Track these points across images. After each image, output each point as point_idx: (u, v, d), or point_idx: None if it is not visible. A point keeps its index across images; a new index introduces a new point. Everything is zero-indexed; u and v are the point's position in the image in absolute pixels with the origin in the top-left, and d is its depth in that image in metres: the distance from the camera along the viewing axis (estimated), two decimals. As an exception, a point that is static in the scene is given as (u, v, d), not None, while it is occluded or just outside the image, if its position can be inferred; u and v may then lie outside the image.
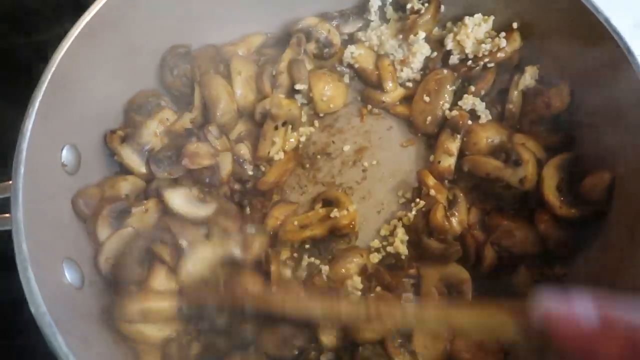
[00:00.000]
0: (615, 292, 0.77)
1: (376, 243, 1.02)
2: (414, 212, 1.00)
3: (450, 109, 1.06)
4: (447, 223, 0.97)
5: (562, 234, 0.95)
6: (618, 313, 0.52)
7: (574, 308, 0.53)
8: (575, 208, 0.94)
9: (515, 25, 1.06)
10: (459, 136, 1.02)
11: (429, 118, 1.07)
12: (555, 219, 0.96)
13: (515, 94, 1.05)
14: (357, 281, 0.95)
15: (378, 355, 0.87)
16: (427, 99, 1.07)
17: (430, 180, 1.02)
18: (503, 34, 1.06)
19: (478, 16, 1.08)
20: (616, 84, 0.89)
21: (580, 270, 0.94)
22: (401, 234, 1.00)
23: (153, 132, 1.02)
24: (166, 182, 0.99)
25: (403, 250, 0.99)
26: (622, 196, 0.90)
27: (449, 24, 1.12)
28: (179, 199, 0.96)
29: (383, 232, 1.03)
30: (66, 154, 0.91)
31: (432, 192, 1.01)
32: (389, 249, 1.00)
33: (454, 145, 1.02)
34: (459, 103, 1.06)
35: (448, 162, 1.03)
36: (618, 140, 0.91)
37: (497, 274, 0.98)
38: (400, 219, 1.03)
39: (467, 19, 1.07)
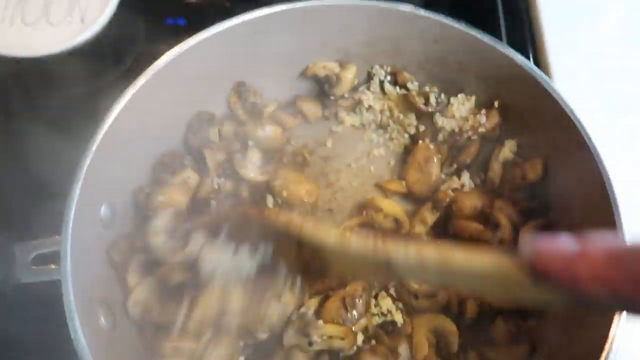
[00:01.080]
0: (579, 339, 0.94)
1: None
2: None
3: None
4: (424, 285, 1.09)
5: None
6: (595, 238, 0.57)
7: (557, 241, 0.58)
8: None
9: (496, 104, 1.21)
10: (437, 213, 1.16)
11: (425, 186, 1.21)
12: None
13: (495, 165, 1.20)
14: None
15: None
16: (418, 170, 1.22)
17: None
18: (484, 110, 1.21)
19: (461, 96, 1.24)
20: (578, 165, 1.04)
21: (551, 321, 1.07)
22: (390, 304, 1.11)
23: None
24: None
25: (399, 319, 1.10)
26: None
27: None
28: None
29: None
30: (104, 210, 1.04)
31: None
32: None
33: (430, 218, 1.16)
34: (445, 186, 1.21)
35: (420, 230, 1.17)
36: (581, 215, 1.06)
37: (478, 324, 1.10)
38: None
39: (452, 100, 1.23)
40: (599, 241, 0.56)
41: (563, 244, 0.57)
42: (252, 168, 1.23)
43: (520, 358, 1.05)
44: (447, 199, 1.17)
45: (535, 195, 1.16)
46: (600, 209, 0.97)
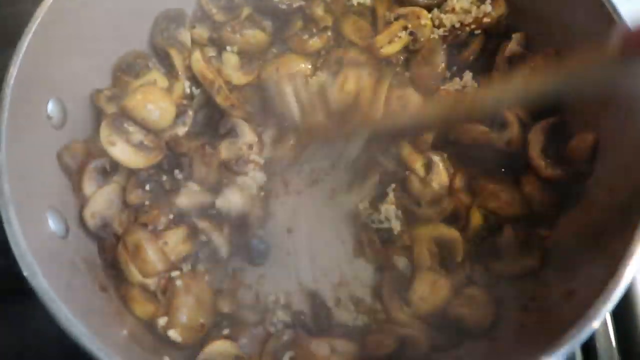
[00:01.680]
0: (597, 253, 0.81)
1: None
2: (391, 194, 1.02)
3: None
4: (427, 189, 0.98)
5: (546, 196, 0.96)
6: None
7: None
8: (559, 169, 0.95)
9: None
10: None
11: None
12: (540, 182, 0.96)
13: (501, 62, 1.06)
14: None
15: None
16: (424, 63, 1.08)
17: (405, 149, 1.04)
18: (489, 0, 1.07)
19: None
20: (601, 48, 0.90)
21: (564, 231, 0.95)
22: (392, 211, 1.00)
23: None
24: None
25: (396, 226, 1.00)
26: (603, 158, 0.91)
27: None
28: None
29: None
30: (52, 107, 0.90)
31: (408, 162, 1.03)
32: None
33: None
34: (447, 85, 1.07)
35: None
36: (601, 104, 0.93)
37: (483, 236, 0.98)
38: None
39: None
40: None
41: None
42: (232, 72, 1.09)
43: (529, 270, 0.94)
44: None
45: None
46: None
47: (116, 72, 1.05)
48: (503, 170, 1.02)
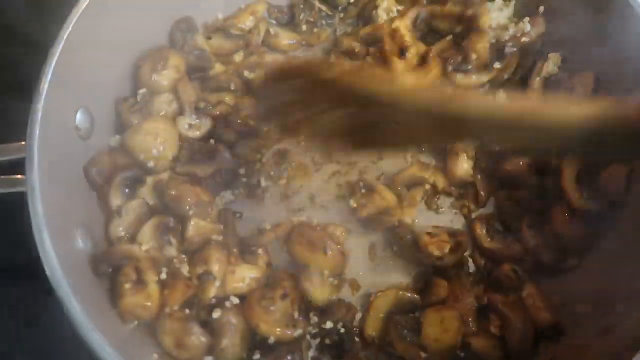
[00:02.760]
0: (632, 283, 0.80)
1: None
2: None
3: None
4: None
5: (578, 229, 0.94)
6: None
7: None
8: (593, 200, 0.92)
9: (541, 9, 1.04)
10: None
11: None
12: (571, 214, 0.94)
13: (537, 81, 1.04)
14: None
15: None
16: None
17: None
18: (527, 18, 1.04)
19: (499, 1, 1.07)
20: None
21: (594, 261, 0.93)
22: None
23: (165, 101, 1.00)
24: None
25: None
26: (636, 189, 0.89)
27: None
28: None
29: None
30: (80, 118, 0.88)
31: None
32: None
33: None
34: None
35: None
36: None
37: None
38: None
39: (488, 4, 1.05)
40: None
41: None
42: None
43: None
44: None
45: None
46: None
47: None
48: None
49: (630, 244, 0.87)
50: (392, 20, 1.09)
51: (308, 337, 0.88)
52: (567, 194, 0.94)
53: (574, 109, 0.58)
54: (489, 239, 0.97)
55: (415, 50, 1.05)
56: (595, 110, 0.57)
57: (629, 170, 0.90)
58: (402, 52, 1.05)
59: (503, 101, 0.63)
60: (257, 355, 0.85)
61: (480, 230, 0.98)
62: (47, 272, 0.70)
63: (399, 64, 1.03)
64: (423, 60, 1.05)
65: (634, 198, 0.89)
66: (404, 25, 1.06)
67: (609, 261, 0.90)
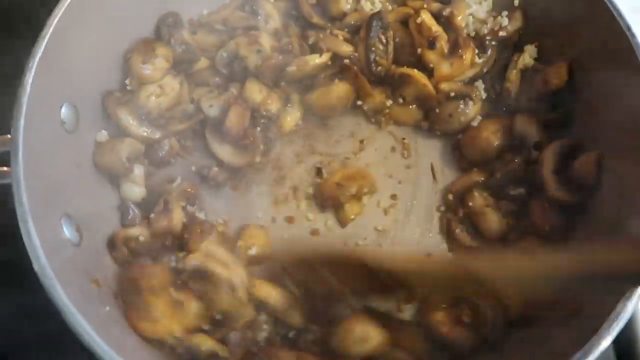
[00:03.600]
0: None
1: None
2: None
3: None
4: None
5: (555, 219, 0.96)
6: None
7: None
8: (568, 191, 0.95)
9: (516, 2, 1.07)
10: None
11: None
12: (548, 205, 0.97)
13: (514, 73, 1.06)
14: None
15: None
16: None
17: None
18: (505, 12, 1.07)
19: None
20: (614, 64, 0.91)
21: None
22: None
23: (151, 94, 1.02)
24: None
25: None
26: (611, 175, 0.92)
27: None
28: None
29: None
30: (65, 112, 0.90)
31: None
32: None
33: None
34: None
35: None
36: (612, 120, 0.94)
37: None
38: None
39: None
40: None
41: None
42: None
43: None
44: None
45: (557, 105, 1.03)
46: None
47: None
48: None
49: (598, 231, 0.90)
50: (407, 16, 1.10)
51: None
52: (545, 185, 0.96)
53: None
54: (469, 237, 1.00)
55: (444, 38, 1.06)
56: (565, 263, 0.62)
57: (598, 156, 0.93)
58: (431, 45, 1.05)
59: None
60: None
61: (460, 232, 1.02)
62: (33, 262, 0.72)
63: (432, 56, 1.05)
64: (454, 48, 1.06)
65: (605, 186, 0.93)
66: (427, 17, 1.06)
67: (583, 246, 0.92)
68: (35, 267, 0.71)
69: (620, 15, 0.90)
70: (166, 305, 0.84)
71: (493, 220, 1.00)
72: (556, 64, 1.01)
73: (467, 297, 0.91)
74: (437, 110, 1.06)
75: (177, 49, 1.06)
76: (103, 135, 0.99)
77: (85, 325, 0.69)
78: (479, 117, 1.07)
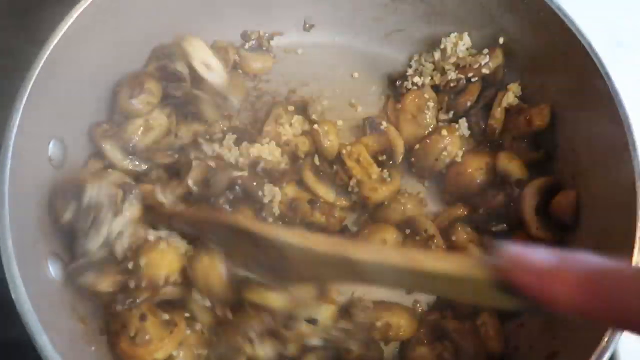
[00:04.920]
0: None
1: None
2: None
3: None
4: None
5: None
6: (572, 256, 0.54)
7: (534, 253, 0.55)
8: (548, 230, 0.97)
9: (501, 40, 1.09)
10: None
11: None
12: (530, 242, 0.98)
13: (498, 111, 1.08)
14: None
15: None
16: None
17: None
18: (486, 50, 1.09)
19: (453, 35, 1.13)
20: (593, 108, 0.93)
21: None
22: None
23: (138, 128, 1.02)
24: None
25: None
26: (590, 215, 0.95)
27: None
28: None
29: None
30: (53, 148, 0.90)
31: None
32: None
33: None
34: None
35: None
36: (591, 162, 0.96)
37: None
38: None
39: (443, 41, 1.12)
40: (576, 261, 0.53)
41: (539, 257, 0.54)
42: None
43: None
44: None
45: (540, 144, 1.06)
46: (615, 156, 0.88)
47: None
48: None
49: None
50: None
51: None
52: (527, 224, 0.98)
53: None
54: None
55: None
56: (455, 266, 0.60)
57: (575, 196, 0.96)
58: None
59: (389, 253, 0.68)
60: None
61: None
62: (17, 308, 0.72)
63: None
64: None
65: (584, 224, 0.95)
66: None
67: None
68: (21, 314, 0.71)
69: (595, 55, 0.92)
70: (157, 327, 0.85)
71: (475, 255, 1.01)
72: (539, 106, 1.04)
73: (450, 334, 0.93)
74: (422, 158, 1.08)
75: (166, 82, 1.07)
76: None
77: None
78: (461, 153, 1.08)
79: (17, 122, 0.81)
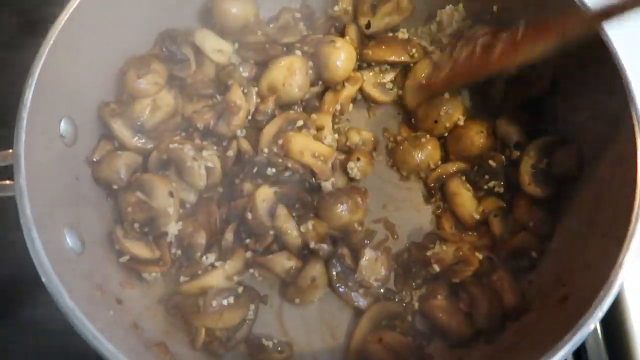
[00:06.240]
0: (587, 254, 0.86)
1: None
2: None
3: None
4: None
5: (538, 216, 1.00)
6: None
7: None
8: (544, 186, 1.00)
9: (495, 8, 1.11)
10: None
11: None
12: (531, 203, 1.01)
13: (499, 82, 1.09)
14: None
15: None
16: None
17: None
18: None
19: (449, 7, 1.16)
20: (594, 72, 0.95)
21: (557, 241, 1.00)
22: None
23: (146, 107, 1.04)
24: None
25: None
26: (589, 171, 0.96)
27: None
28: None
29: None
30: (64, 126, 0.93)
31: None
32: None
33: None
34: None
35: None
36: (590, 121, 0.98)
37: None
38: None
39: (439, 13, 1.15)
40: None
41: None
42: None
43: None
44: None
45: (541, 110, 1.07)
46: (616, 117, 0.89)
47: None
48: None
49: (587, 219, 0.93)
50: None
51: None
52: (521, 180, 1.01)
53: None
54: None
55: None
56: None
57: (577, 148, 0.98)
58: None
59: None
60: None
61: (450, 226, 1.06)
62: (38, 269, 0.74)
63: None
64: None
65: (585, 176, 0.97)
66: None
67: (570, 237, 0.97)
68: (41, 274, 0.74)
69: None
70: None
71: (469, 203, 1.05)
72: (540, 69, 1.05)
73: (467, 287, 0.95)
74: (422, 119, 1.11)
75: (172, 64, 1.10)
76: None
77: (89, 326, 0.71)
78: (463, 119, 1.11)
79: (29, 99, 0.84)
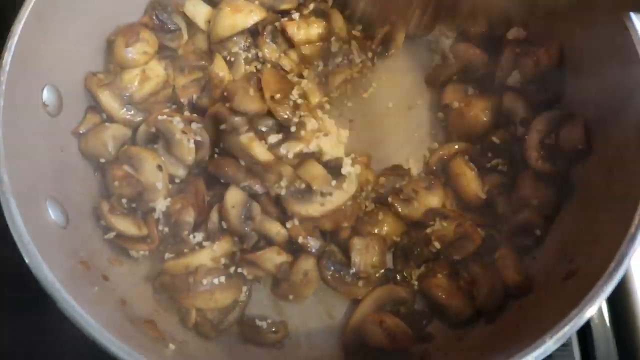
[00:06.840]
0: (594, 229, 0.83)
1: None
2: None
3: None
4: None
5: (543, 193, 0.96)
6: None
7: None
8: (551, 162, 0.95)
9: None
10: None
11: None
12: (536, 180, 0.97)
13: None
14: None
15: None
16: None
17: None
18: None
19: None
20: (604, 37, 0.90)
21: (565, 216, 0.96)
22: None
23: (134, 77, 1.00)
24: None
25: None
26: (600, 144, 0.92)
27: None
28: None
29: None
30: (47, 95, 0.88)
31: None
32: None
33: None
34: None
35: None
36: (599, 93, 0.94)
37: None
38: None
39: None
40: None
41: None
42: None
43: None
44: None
45: (547, 86, 1.02)
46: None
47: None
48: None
49: (596, 194, 0.90)
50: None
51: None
52: (528, 156, 0.96)
53: None
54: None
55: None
56: None
57: (584, 122, 0.93)
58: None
59: None
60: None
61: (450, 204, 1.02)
62: (17, 242, 0.71)
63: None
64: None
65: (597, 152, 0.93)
66: None
67: (576, 212, 0.93)
68: (19, 246, 0.70)
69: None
70: None
71: (474, 183, 1.00)
72: (547, 45, 1.00)
73: (467, 266, 0.91)
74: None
75: (162, 33, 1.05)
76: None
77: (69, 299, 0.68)
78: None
79: (9, 62, 0.79)
